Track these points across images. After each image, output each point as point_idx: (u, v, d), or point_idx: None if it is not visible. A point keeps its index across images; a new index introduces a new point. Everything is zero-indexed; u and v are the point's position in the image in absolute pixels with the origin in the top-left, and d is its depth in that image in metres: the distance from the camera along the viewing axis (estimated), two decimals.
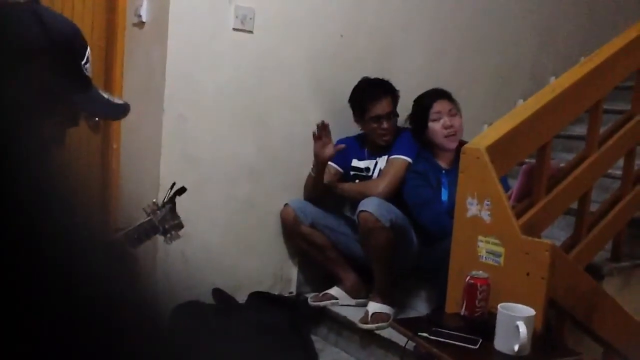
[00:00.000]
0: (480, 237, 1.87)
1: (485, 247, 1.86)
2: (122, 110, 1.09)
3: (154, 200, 1.28)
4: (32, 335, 0.24)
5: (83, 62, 1.01)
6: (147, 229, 1.23)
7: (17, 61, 0.94)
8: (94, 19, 2.65)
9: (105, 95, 1.10)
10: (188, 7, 2.45)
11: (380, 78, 2.65)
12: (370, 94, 2.58)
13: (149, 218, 1.23)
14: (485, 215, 1.86)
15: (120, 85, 2.69)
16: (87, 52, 1.02)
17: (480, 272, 1.80)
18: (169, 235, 1.27)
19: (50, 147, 1.04)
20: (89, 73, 1.03)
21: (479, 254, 1.87)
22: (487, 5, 3.25)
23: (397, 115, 2.64)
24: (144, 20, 2.57)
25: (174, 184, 1.29)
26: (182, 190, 1.29)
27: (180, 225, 1.28)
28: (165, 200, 1.28)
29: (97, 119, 1.24)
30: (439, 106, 2.45)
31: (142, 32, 2.61)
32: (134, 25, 2.64)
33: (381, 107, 2.57)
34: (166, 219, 1.26)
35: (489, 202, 1.87)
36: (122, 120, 2.73)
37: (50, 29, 0.96)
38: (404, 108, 2.67)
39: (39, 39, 0.94)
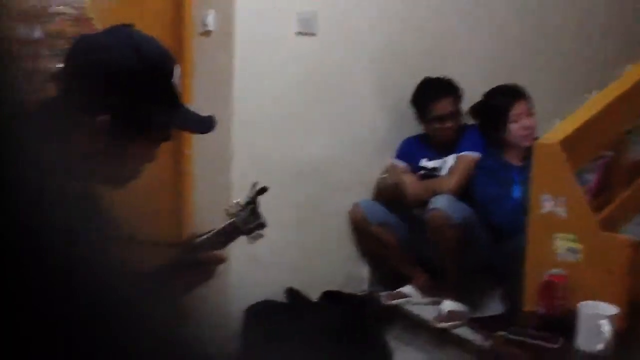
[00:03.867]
0: (556, 234, 1.84)
1: (562, 244, 1.83)
2: (211, 123, 1.13)
3: (237, 201, 1.29)
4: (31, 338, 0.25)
5: (173, 80, 1.05)
6: (231, 230, 1.25)
7: (111, 85, 1.00)
8: (163, 30, 2.74)
9: (192, 110, 1.14)
10: (252, 14, 2.50)
11: (442, 77, 2.62)
12: (431, 94, 2.56)
13: (232, 220, 1.26)
14: (561, 212, 1.83)
15: (190, 92, 2.78)
16: (176, 71, 1.06)
17: (558, 269, 1.78)
18: (252, 235, 1.28)
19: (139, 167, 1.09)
20: (178, 90, 1.07)
21: (556, 251, 1.84)
22: None
23: (461, 114, 2.62)
24: (210, 29, 2.64)
25: (255, 183, 1.30)
26: (263, 189, 1.30)
27: (263, 225, 1.29)
28: (247, 201, 1.29)
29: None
30: (519, 108, 2.41)
31: (209, 41, 2.69)
32: (201, 34, 2.72)
33: (443, 107, 2.55)
34: (249, 220, 1.27)
35: (564, 198, 1.84)
36: None
37: (143, 51, 1.01)
38: (467, 102, 2.64)
39: (134, 61, 0.99)
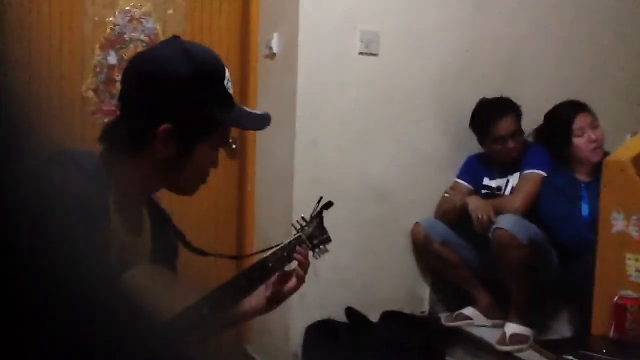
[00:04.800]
0: (628, 255, 1.76)
1: (635, 264, 1.75)
2: (266, 119, 1.16)
3: (302, 215, 1.31)
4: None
5: (225, 82, 1.08)
6: (297, 245, 1.26)
7: (169, 94, 1.05)
8: (230, 54, 2.84)
9: (247, 109, 1.18)
10: (315, 36, 2.56)
11: (500, 96, 2.57)
12: (491, 114, 2.51)
13: (298, 235, 1.27)
14: (634, 231, 1.76)
15: None
16: (226, 72, 1.09)
17: (630, 291, 1.69)
18: (317, 250, 1.29)
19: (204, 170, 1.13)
20: (231, 91, 1.10)
21: (628, 273, 1.76)
22: (623, 8, 3.05)
23: (523, 133, 2.55)
24: (274, 51, 2.72)
25: (321, 198, 1.32)
26: (328, 204, 1.31)
27: (328, 239, 1.30)
28: (313, 215, 1.30)
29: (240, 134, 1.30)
30: (582, 121, 2.35)
31: (273, 63, 2.76)
32: (266, 57, 2.80)
33: (504, 127, 2.49)
34: (314, 235, 1.28)
35: (637, 217, 1.76)
36: (258, 146, 2.89)
37: (195, 58, 1.05)
38: (535, 121, 2.58)
39: (188, 69, 1.04)
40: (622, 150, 1.92)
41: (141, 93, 1.06)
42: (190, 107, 1.05)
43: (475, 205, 2.46)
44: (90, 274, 0.27)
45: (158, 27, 2.81)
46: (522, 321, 2.30)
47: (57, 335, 0.25)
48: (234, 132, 2.85)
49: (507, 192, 2.54)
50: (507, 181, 2.56)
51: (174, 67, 1.04)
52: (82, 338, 0.25)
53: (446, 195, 2.62)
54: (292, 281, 1.26)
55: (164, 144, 1.04)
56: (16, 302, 0.24)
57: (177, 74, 1.03)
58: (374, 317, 2.59)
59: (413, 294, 2.74)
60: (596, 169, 2.20)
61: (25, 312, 0.24)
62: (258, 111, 1.19)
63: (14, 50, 0.29)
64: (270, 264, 1.24)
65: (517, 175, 2.53)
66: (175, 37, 1.11)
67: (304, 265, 1.26)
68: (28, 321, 0.24)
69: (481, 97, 2.61)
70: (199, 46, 1.11)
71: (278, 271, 1.24)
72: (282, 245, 1.24)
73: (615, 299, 1.68)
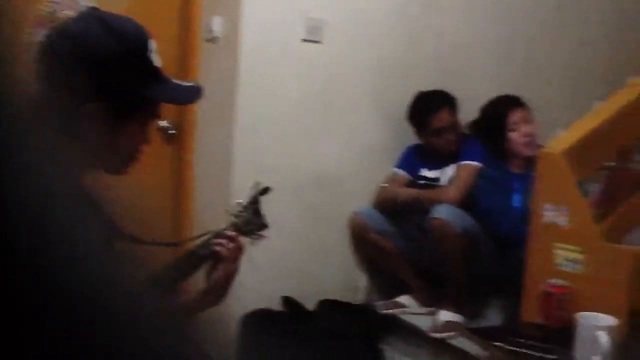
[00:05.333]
0: (557, 244, 1.82)
1: (563, 254, 1.81)
2: (196, 92, 1.11)
3: (239, 201, 1.27)
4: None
5: (150, 53, 1.03)
6: (232, 232, 1.22)
7: (92, 72, 0.99)
8: (170, 37, 2.75)
9: (176, 81, 1.11)
10: (259, 20, 2.52)
11: (437, 89, 2.60)
12: (428, 107, 2.54)
13: (234, 221, 1.24)
14: (563, 222, 1.81)
15: None
16: (151, 43, 1.04)
17: (558, 280, 1.75)
18: (253, 236, 1.26)
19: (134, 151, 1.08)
20: (157, 63, 1.04)
21: (556, 262, 1.82)
22: (560, 4, 3.15)
23: (460, 125, 2.60)
24: (216, 35, 2.66)
25: (257, 183, 1.28)
26: (266, 190, 1.28)
27: (265, 226, 1.27)
28: (250, 201, 1.27)
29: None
30: (516, 115, 2.41)
31: (215, 47, 2.70)
32: (207, 40, 2.73)
33: (442, 119, 2.52)
34: (251, 221, 1.25)
35: (566, 208, 1.82)
36: (197, 131, 2.83)
37: (116, 31, 1.00)
38: (475, 114, 2.63)
39: (109, 43, 0.98)
40: (555, 143, 1.98)
41: (64, 73, 1.00)
42: (115, 84, 1.00)
43: (407, 194, 2.52)
44: (90, 273, 0.27)
45: (95, 6, 2.69)
46: (456, 309, 2.35)
47: (57, 335, 0.24)
48: (173, 115, 2.78)
49: (444, 182, 2.59)
50: (444, 172, 2.61)
51: (95, 42, 0.98)
52: (82, 338, 0.25)
53: (384, 185, 2.65)
54: (219, 269, 1.19)
55: (90, 124, 0.99)
56: (16, 302, 0.24)
57: (99, 51, 0.98)
58: (311, 306, 2.59)
59: (350, 282, 2.75)
60: (529, 162, 2.27)
61: (25, 312, 0.24)
62: (188, 83, 1.15)
63: (15, 49, 0.28)
64: (205, 252, 1.20)
65: (453, 166, 2.57)
66: (93, 10, 1.06)
67: (231, 252, 1.19)
68: (28, 321, 0.24)
69: (421, 88, 2.64)
70: (120, 18, 1.05)
71: (211, 259, 1.20)
72: (215, 232, 1.20)
73: (544, 287, 1.74)
